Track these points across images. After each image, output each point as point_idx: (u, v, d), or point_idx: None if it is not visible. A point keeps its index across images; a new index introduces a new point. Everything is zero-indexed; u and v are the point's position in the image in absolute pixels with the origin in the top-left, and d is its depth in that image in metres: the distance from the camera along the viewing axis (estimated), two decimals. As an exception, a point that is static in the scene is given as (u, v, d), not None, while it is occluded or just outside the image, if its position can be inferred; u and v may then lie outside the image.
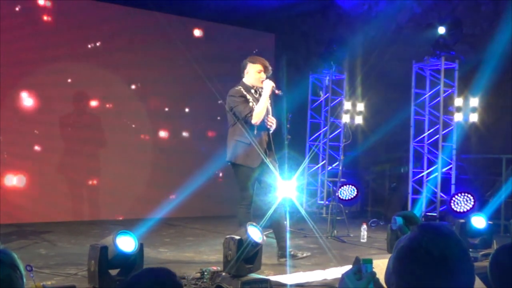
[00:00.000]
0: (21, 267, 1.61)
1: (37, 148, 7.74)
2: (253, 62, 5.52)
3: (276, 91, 5.46)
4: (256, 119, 5.32)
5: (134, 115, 8.51)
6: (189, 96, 8.99)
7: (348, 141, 8.45)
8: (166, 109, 8.84)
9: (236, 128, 5.43)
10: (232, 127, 5.48)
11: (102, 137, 8.30)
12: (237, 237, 4.17)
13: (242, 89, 5.43)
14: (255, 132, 5.38)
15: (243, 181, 5.43)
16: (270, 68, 5.55)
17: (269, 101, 5.58)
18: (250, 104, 5.37)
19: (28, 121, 7.65)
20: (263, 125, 5.43)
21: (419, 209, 8.64)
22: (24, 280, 1.62)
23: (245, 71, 5.53)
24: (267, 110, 5.50)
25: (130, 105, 8.49)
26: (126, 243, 3.91)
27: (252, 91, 5.47)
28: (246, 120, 5.34)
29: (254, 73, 5.47)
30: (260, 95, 5.48)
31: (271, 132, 5.55)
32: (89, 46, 8.11)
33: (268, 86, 5.38)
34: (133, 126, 8.51)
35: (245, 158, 5.36)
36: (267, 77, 5.48)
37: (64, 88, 7.93)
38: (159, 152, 8.76)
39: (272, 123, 5.49)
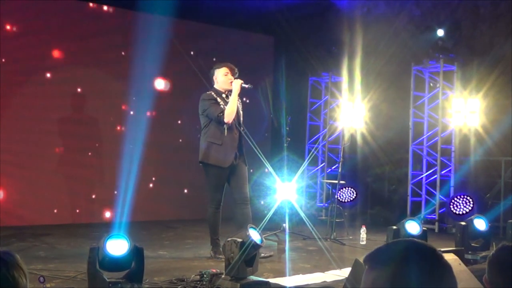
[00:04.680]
0: (24, 267, 1.64)
1: (37, 150, 7.72)
2: (219, 67, 5.80)
3: (246, 86, 5.70)
4: (228, 117, 5.56)
5: (134, 116, 8.51)
6: (187, 98, 8.98)
7: (347, 143, 8.47)
8: (164, 112, 8.83)
9: (208, 130, 5.69)
10: (204, 129, 5.74)
11: (103, 138, 8.30)
12: (239, 240, 4.18)
13: (213, 93, 5.71)
14: (226, 133, 5.60)
15: (213, 181, 5.68)
16: (236, 69, 5.80)
17: (240, 105, 5.78)
18: (221, 106, 5.61)
19: (28, 123, 7.64)
20: (234, 127, 5.66)
21: (419, 211, 8.65)
22: (28, 280, 1.65)
23: (214, 77, 5.82)
24: (238, 114, 5.73)
25: (130, 106, 8.49)
26: (118, 246, 3.90)
27: (223, 95, 5.72)
28: (218, 120, 5.58)
29: (221, 77, 5.75)
30: None
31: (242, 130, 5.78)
32: (89, 45, 8.11)
33: (237, 84, 5.64)
34: (134, 127, 8.49)
35: (216, 158, 5.60)
36: (235, 78, 5.73)
37: (64, 90, 7.93)
38: (159, 154, 8.75)
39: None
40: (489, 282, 1.87)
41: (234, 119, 5.63)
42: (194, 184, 8.88)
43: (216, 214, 5.69)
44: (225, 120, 5.55)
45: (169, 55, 8.68)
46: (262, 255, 5.36)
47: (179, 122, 9.12)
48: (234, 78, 5.71)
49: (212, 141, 5.62)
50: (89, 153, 8.20)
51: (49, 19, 7.85)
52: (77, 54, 8.06)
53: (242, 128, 5.79)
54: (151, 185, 8.72)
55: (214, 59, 8.95)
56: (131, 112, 8.51)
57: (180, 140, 9.03)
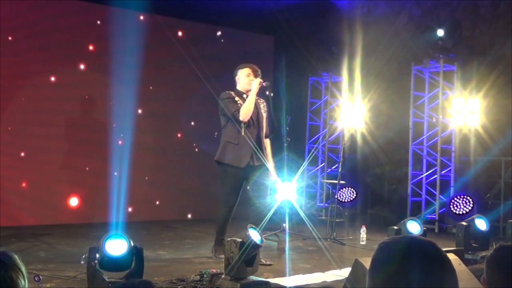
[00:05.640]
0: (23, 268, 1.63)
1: (36, 149, 7.72)
2: (242, 68, 5.72)
3: (264, 84, 5.60)
4: (243, 116, 5.46)
5: (133, 116, 8.49)
6: (188, 98, 8.99)
7: (347, 143, 8.47)
8: (165, 112, 8.83)
9: (226, 130, 5.60)
10: (223, 129, 5.66)
11: (102, 138, 8.30)
12: (239, 240, 4.18)
13: (232, 93, 5.64)
14: (243, 133, 5.49)
15: (228, 181, 5.57)
16: (259, 71, 5.71)
17: (264, 108, 5.70)
18: (239, 104, 5.53)
19: (28, 122, 7.65)
20: (252, 127, 5.55)
21: (419, 211, 8.65)
22: (27, 281, 1.65)
23: (236, 78, 5.74)
24: (259, 114, 5.62)
25: (130, 106, 8.48)
26: (117, 246, 3.90)
27: (244, 96, 5.62)
28: (234, 118, 5.48)
29: (243, 77, 5.67)
30: None
31: (265, 136, 5.67)
32: (89, 47, 8.12)
33: (255, 83, 5.55)
34: (133, 127, 8.49)
35: (232, 158, 5.49)
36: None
37: (64, 90, 7.93)
38: (159, 154, 8.76)
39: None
40: (488, 282, 1.87)
41: (252, 119, 5.52)
42: (194, 184, 8.89)
43: (228, 216, 5.57)
44: (241, 118, 5.44)
45: (172, 57, 8.69)
46: (262, 261, 5.24)
47: (192, 123, 9.12)
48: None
49: (229, 141, 5.52)
50: (90, 154, 8.17)
51: (54, 21, 7.86)
52: (79, 57, 8.04)
53: (264, 131, 5.65)
54: (151, 185, 8.70)
55: (215, 60, 8.97)
56: (132, 115, 8.50)
57: (184, 143, 9.03)
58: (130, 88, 8.35)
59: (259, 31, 9.88)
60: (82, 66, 8.04)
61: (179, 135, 9.08)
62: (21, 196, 7.57)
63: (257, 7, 9.05)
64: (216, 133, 9.04)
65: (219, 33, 9.43)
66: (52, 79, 7.80)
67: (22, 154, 7.63)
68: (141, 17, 8.50)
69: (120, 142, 8.24)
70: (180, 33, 8.84)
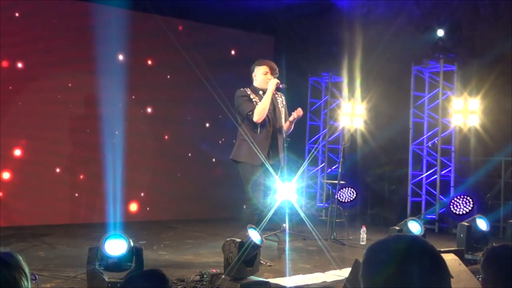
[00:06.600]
0: (27, 269, 1.64)
1: (36, 150, 7.72)
2: (260, 65, 5.60)
3: (281, 85, 5.52)
4: (258, 116, 5.36)
5: (133, 119, 8.49)
6: (188, 99, 8.99)
7: (347, 143, 8.46)
8: (165, 112, 8.83)
9: (242, 128, 5.51)
10: (240, 127, 5.58)
11: (102, 140, 8.30)
12: (238, 240, 4.18)
13: (247, 90, 5.52)
14: (259, 131, 5.41)
15: (246, 179, 5.42)
16: (277, 69, 5.61)
17: (282, 102, 5.63)
18: (254, 103, 5.43)
19: (28, 124, 7.65)
20: (268, 125, 5.47)
21: (419, 211, 8.65)
22: (29, 282, 1.65)
23: (253, 74, 5.63)
24: (277, 113, 5.54)
25: (130, 109, 8.48)
26: (117, 246, 3.90)
27: (261, 93, 5.52)
28: (248, 118, 5.39)
29: (260, 75, 5.56)
30: None
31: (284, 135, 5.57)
32: (90, 50, 8.10)
33: (272, 84, 5.45)
34: (133, 130, 8.49)
35: (247, 156, 5.40)
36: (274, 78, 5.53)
37: (63, 92, 7.93)
38: (159, 155, 8.75)
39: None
40: (488, 282, 1.88)
41: (268, 117, 5.43)
42: (195, 184, 8.89)
43: (252, 215, 5.37)
44: (255, 119, 5.35)
45: (171, 57, 8.69)
46: (262, 263, 5.18)
47: (193, 125, 9.08)
48: (274, 78, 5.52)
49: (243, 139, 5.43)
50: (90, 156, 8.17)
51: (54, 24, 7.87)
52: (80, 60, 8.02)
53: (284, 130, 5.55)
54: (151, 186, 8.70)
55: (214, 60, 8.96)
56: (133, 117, 8.50)
57: (176, 141, 9.03)
58: (130, 90, 8.35)
59: (259, 31, 9.87)
60: (82, 69, 8.02)
61: (179, 137, 9.07)
62: (22, 197, 7.57)
63: (257, 7, 9.05)
64: (223, 139, 9.06)
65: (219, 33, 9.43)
66: (52, 82, 7.78)
67: (23, 155, 7.63)
68: (142, 18, 8.49)
69: (120, 144, 8.23)
70: (180, 34, 8.82)
